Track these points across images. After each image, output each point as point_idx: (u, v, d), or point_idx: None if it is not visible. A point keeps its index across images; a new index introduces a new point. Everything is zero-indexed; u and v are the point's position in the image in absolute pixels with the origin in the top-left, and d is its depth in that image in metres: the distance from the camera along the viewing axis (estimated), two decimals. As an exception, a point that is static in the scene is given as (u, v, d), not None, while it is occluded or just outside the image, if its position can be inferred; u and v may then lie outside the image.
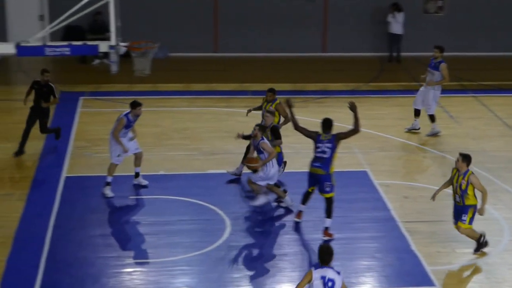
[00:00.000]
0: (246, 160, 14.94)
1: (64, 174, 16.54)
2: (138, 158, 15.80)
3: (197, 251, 13.61)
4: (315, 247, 13.88)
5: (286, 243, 14.02)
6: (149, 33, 23.16)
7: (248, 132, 15.72)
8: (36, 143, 18.06)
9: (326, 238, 14.05)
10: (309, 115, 19.89)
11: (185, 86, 22.99)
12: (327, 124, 14.11)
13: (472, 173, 13.24)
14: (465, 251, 13.76)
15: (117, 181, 16.04)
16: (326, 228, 14.11)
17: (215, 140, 18.43)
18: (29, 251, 13.45)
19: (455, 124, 20.21)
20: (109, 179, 15.53)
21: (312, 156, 14.10)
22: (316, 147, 13.97)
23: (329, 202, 14.06)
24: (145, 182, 15.99)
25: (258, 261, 13.44)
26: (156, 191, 15.79)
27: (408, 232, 14.34)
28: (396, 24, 25.66)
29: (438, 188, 13.78)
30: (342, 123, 19.63)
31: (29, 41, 13.89)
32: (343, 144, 18.24)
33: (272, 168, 14.75)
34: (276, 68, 25.22)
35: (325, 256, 10.29)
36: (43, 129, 17.59)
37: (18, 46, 13.65)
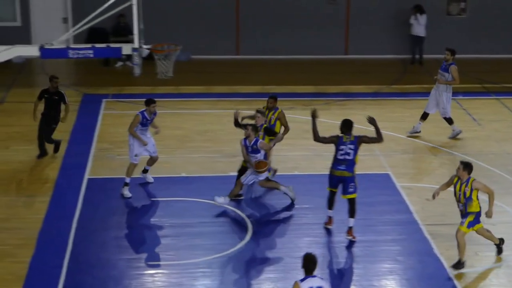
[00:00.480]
0: (254, 165, 14.89)
1: (87, 176, 16.62)
2: (152, 160, 15.94)
3: (219, 253, 13.63)
4: (336, 249, 13.89)
5: (307, 246, 14.00)
6: (171, 35, 23.25)
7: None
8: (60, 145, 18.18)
9: (350, 238, 14.05)
10: (331, 118, 19.86)
11: (207, 89, 23.03)
12: (348, 125, 14.08)
13: (475, 179, 13.10)
14: (487, 254, 13.69)
15: (139, 183, 16.13)
16: (350, 228, 14.11)
17: (236, 142, 18.36)
18: (52, 252, 13.54)
19: (477, 127, 20.11)
20: (128, 180, 15.64)
21: (332, 158, 14.06)
22: (339, 150, 13.92)
23: (352, 202, 14.08)
24: (151, 180, 16.15)
25: (279, 264, 13.44)
26: (178, 193, 15.84)
27: (430, 235, 14.29)
28: (419, 26, 25.57)
29: (437, 187, 13.64)
30: (364, 125, 19.60)
31: (53, 43, 13.96)
32: (365, 147, 18.18)
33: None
34: (298, 70, 25.21)
35: (310, 265, 10.22)
36: (48, 138, 17.29)
37: (42, 49, 13.73)
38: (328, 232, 14.42)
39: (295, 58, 26.29)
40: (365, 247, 13.92)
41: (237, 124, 15.73)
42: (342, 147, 13.90)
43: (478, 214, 13.12)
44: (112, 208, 15.31)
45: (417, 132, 19.21)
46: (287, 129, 15.96)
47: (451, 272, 13.07)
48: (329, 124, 19.32)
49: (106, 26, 23.98)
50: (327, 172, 14.23)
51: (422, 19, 25.49)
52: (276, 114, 15.93)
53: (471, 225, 13.10)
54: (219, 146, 18.35)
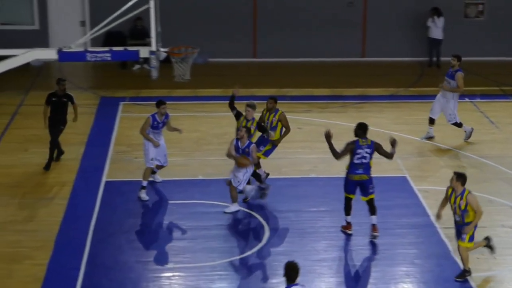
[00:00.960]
0: (239, 158, 14.94)
1: (104, 178, 16.68)
2: (159, 167, 16.13)
3: (236, 256, 13.65)
4: (353, 252, 13.87)
5: (324, 249, 14.00)
6: (189, 38, 23.28)
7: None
8: (77, 148, 18.26)
9: (376, 234, 14.11)
10: (348, 120, 19.86)
11: (224, 91, 23.02)
12: (364, 128, 14.05)
13: (470, 192, 12.70)
14: (505, 258, 13.63)
15: (156, 186, 16.18)
16: (374, 225, 14.15)
17: (254, 145, 18.45)
18: (70, 254, 13.60)
19: (495, 130, 20.03)
20: (144, 183, 15.72)
21: (348, 164, 14.00)
22: (356, 154, 13.89)
23: (371, 202, 14.14)
24: (159, 180, 16.32)
25: (297, 266, 13.43)
26: (195, 196, 15.87)
27: (448, 238, 14.23)
28: (436, 29, 25.49)
29: (438, 208, 13.34)
30: (380, 128, 19.60)
31: (71, 46, 14.01)
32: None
33: (247, 173, 15.03)
34: (315, 73, 25.19)
35: (292, 273, 10.09)
36: (55, 140, 17.09)
37: (60, 52, 13.78)
38: (345, 235, 14.39)
39: (312, 61, 26.27)
40: (382, 250, 13.89)
41: (232, 106, 15.74)
42: (359, 150, 13.87)
43: (476, 227, 12.83)
44: (129, 210, 15.36)
45: (431, 137, 19.15)
46: (288, 130, 15.96)
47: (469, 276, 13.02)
48: (346, 127, 19.31)
49: (123, 29, 24.06)
50: (343, 175, 14.21)
51: (440, 21, 25.42)
52: (277, 116, 15.91)
53: (472, 239, 12.85)
54: (236, 149, 18.34)
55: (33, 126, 17.48)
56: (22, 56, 13.83)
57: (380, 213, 14.68)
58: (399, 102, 22.17)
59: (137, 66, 25.32)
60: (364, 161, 13.91)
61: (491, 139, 19.34)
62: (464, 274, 12.94)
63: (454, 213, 12.85)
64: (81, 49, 14.13)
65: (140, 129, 15.78)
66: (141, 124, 15.82)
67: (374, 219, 14.22)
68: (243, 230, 14.69)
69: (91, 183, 16.43)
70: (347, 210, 14.33)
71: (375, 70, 25.54)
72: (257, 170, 15.67)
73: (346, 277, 13.28)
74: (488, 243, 13.37)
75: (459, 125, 18.98)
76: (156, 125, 15.70)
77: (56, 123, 16.97)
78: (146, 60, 23.13)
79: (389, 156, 14.16)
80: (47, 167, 16.93)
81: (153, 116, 15.69)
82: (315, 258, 13.70)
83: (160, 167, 16.15)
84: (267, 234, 14.41)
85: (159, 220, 15.12)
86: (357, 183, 14.01)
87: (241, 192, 15.31)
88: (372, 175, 14.08)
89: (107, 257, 13.58)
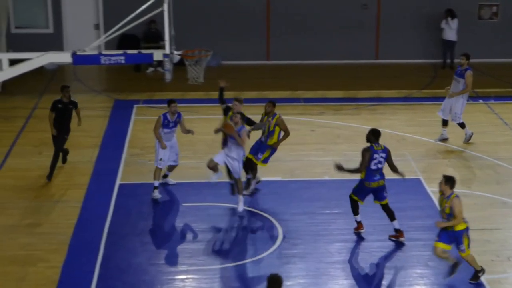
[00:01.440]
0: (223, 125, 15.12)
1: (118, 181, 16.73)
2: (171, 168, 16.20)
3: (249, 259, 13.65)
4: (367, 254, 13.85)
5: (338, 251, 13.99)
6: (202, 41, 23.33)
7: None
8: (91, 150, 18.32)
9: (403, 239, 14.12)
10: (361, 123, 19.86)
11: (237, 94, 23.02)
12: (377, 134, 14.06)
13: (456, 196, 12.49)
14: (520, 260, 13.61)
15: (170, 188, 16.22)
16: (398, 230, 14.21)
17: (267, 147, 18.46)
18: (84, 257, 13.64)
19: (509, 131, 19.95)
20: (156, 183, 15.86)
21: (364, 172, 13.95)
22: (373, 159, 13.82)
23: (387, 206, 14.11)
24: (172, 182, 16.39)
25: (310, 269, 13.42)
26: (209, 198, 15.89)
27: (462, 240, 14.19)
28: (450, 30, 25.42)
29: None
30: (394, 130, 19.59)
31: (85, 50, 14.05)
32: (396, 152, 18.17)
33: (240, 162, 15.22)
34: (328, 75, 25.17)
35: (274, 286, 9.97)
36: (61, 146, 16.92)
37: (74, 55, 13.82)
38: (359, 237, 14.38)
39: (325, 63, 26.26)
40: (396, 252, 13.87)
41: (221, 99, 15.97)
42: (375, 155, 13.85)
43: (468, 232, 12.63)
44: (143, 213, 15.40)
45: (445, 139, 19.10)
46: (287, 134, 15.83)
47: (483, 278, 12.98)
48: (359, 129, 19.31)
49: (137, 32, 24.14)
50: (358, 177, 14.18)
51: (454, 23, 25.35)
52: (274, 120, 15.78)
53: (469, 245, 12.65)
54: (250, 151, 18.36)
55: (47, 129, 17.49)
56: (37, 60, 13.89)
57: (394, 215, 14.70)
58: (412, 104, 22.12)
59: (151, 69, 25.38)
60: (379, 166, 13.90)
61: (505, 140, 19.27)
62: (477, 276, 12.88)
63: (442, 217, 12.64)
64: (95, 52, 14.18)
65: (153, 128, 15.88)
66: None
67: (396, 224, 14.22)
68: (257, 232, 14.70)
69: (105, 185, 16.48)
70: (355, 210, 14.32)
71: (388, 72, 25.50)
72: (247, 176, 15.78)
73: (359, 279, 13.27)
74: (455, 263, 12.79)
75: (462, 125, 18.91)
76: (167, 124, 15.78)
77: (61, 131, 16.78)
78: (160, 63, 23.25)
79: (394, 167, 14.07)
80: (49, 177, 16.74)
81: (164, 115, 15.81)
82: (329, 260, 13.69)
83: (171, 168, 16.18)
84: (280, 236, 14.41)
85: (172, 223, 15.15)
86: (374, 190, 13.99)
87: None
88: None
89: (121, 260, 13.62)
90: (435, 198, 15.89)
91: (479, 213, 15.00)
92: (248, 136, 15.41)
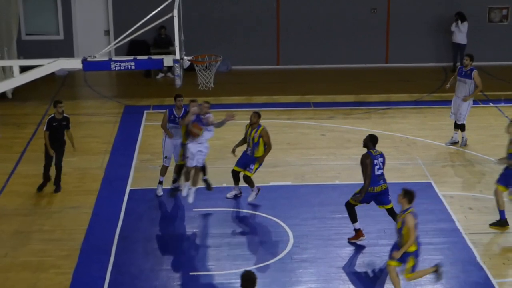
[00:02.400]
0: (191, 129, 15.26)
1: (129, 187, 16.77)
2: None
3: (260, 264, 13.65)
4: (378, 259, 13.82)
5: (348, 255, 13.97)
6: (212, 46, 23.38)
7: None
8: (102, 156, 18.37)
9: None
10: (372, 127, 19.85)
11: (247, 99, 23.10)
12: (376, 140, 14.12)
13: (412, 213, 12.05)
14: (532, 264, 13.56)
15: (180, 194, 16.23)
16: None
17: (277, 152, 18.43)
18: (95, 263, 13.67)
19: (521, 134, 19.88)
20: (161, 178, 16.29)
21: (370, 176, 13.92)
22: (374, 165, 13.86)
23: (393, 210, 14.07)
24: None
25: (321, 274, 13.41)
26: (218, 203, 15.91)
27: (473, 244, 14.17)
28: (460, 33, 25.38)
29: None
30: (405, 134, 19.57)
31: (96, 56, 14.08)
32: (407, 156, 18.18)
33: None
34: (338, 79, 25.17)
35: (248, 284, 9.87)
36: (60, 162, 16.55)
37: (84, 61, 13.85)
38: (370, 241, 14.35)
39: (335, 67, 26.26)
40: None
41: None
42: (375, 161, 13.90)
43: (416, 255, 12.23)
44: (154, 218, 15.43)
45: (456, 143, 19.06)
46: (269, 148, 15.63)
47: (495, 282, 12.95)
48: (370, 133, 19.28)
49: (147, 38, 24.22)
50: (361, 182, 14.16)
51: (463, 26, 25.30)
52: (259, 132, 15.60)
53: (414, 269, 12.26)
54: (260, 156, 18.36)
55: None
56: (48, 66, 13.91)
57: (405, 219, 14.67)
58: (423, 108, 22.09)
59: (161, 75, 25.44)
60: (381, 170, 13.94)
61: (517, 144, 19.20)
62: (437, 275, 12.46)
63: (397, 232, 12.31)
64: (106, 58, 14.18)
65: (160, 124, 16.19)
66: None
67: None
68: (267, 237, 14.70)
69: (116, 191, 16.52)
70: (354, 217, 14.23)
71: (398, 76, 25.48)
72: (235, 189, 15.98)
73: (371, 284, 13.24)
74: (436, 270, 12.56)
75: (463, 127, 18.85)
76: (173, 118, 15.98)
77: (57, 146, 16.38)
78: (170, 69, 23.34)
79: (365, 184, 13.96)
80: (57, 189, 16.52)
81: (170, 110, 16.06)
82: (340, 264, 13.67)
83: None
84: (291, 241, 14.40)
85: (183, 228, 15.17)
86: (378, 194, 13.95)
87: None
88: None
89: (132, 265, 13.64)
90: (446, 202, 15.87)
91: (490, 217, 14.96)
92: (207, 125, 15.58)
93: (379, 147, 14.19)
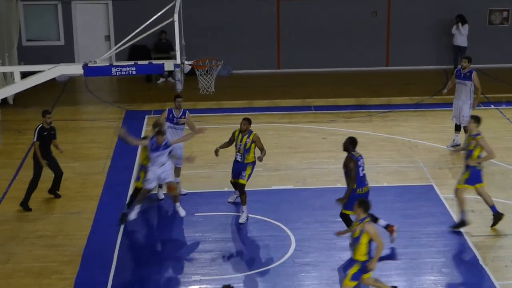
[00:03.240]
0: (168, 187, 15.17)
1: (130, 192, 16.73)
2: (176, 170, 16.23)
3: (262, 268, 13.64)
4: (380, 263, 13.77)
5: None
6: (213, 51, 23.40)
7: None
8: (103, 162, 18.37)
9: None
10: (373, 130, 19.84)
11: (248, 103, 23.10)
12: (356, 142, 14.16)
13: (369, 221, 11.87)
14: (535, 265, 13.55)
15: (181, 198, 16.21)
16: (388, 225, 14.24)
17: (278, 156, 18.47)
18: (97, 268, 13.65)
19: (523, 137, 19.93)
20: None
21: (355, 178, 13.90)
22: (359, 166, 13.90)
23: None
24: (184, 192, 16.41)
25: (323, 277, 13.40)
26: (220, 207, 15.90)
27: (475, 247, 14.16)
28: (461, 36, 25.39)
29: None
30: (406, 137, 19.55)
31: (97, 61, 14.11)
32: (408, 158, 18.15)
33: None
34: (339, 83, 25.18)
35: None
36: (59, 169, 16.46)
37: (85, 67, 13.88)
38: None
39: (336, 71, 26.28)
40: (410, 260, 13.82)
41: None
42: (359, 163, 13.92)
43: (363, 264, 11.94)
44: (156, 224, 15.43)
45: (457, 145, 19.05)
46: (264, 152, 15.47)
47: (497, 284, 12.94)
48: (371, 137, 19.30)
49: (147, 43, 24.24)
50: (370, 185, 14.15)
51: (464, 29, 25.31)
52: (251, 138, 15.42)
53: (355, 277, 11.96)
54: (261, 160, 18.36)
55: (59, 141, 17.53)
56: (48, 72, 13.93)
57: (407, 222, 14.68)
58: (424, 111, 22.09)
59: (161, 80, 25.46)
60: (363, 171, 13.93)
61: (520, 146, 19.23)
62: None
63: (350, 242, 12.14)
64: (106, 63, 14.21)
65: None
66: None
67: (383, 221, 14.25)
68: (270, 241, 14.68)
69: (118, 196, 16.51)
70: (350, 225, 14.19)
71: (399, 79, 25.49)
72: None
73: (373, 287, 13.23)
74: None
75: (465, 129, 18.80)
76: (171, 118, 16.02)
77: (46, 154, 16.20)
78: (171, 73, 23.36)
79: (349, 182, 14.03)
80: (25, 205, 16.09)
81: (170, 109, 16.15)
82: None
83: (177, 170, 16.16)
84: (293, 245, 14.39)
85: (185, 233, 15.15)
86: (366, 195, 13.89)
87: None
88: None
89: (134, 270, 13.64)
90: (448, 205, 15.86)
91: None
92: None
93: (381, 150, 14.23)
